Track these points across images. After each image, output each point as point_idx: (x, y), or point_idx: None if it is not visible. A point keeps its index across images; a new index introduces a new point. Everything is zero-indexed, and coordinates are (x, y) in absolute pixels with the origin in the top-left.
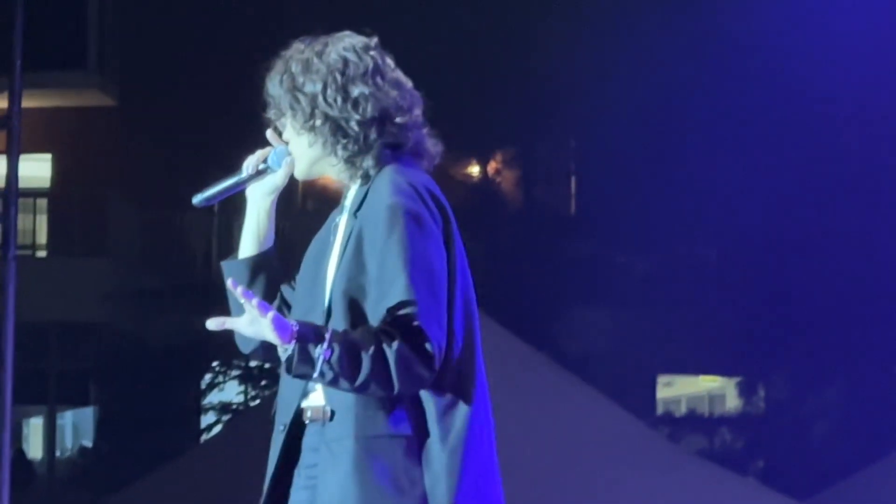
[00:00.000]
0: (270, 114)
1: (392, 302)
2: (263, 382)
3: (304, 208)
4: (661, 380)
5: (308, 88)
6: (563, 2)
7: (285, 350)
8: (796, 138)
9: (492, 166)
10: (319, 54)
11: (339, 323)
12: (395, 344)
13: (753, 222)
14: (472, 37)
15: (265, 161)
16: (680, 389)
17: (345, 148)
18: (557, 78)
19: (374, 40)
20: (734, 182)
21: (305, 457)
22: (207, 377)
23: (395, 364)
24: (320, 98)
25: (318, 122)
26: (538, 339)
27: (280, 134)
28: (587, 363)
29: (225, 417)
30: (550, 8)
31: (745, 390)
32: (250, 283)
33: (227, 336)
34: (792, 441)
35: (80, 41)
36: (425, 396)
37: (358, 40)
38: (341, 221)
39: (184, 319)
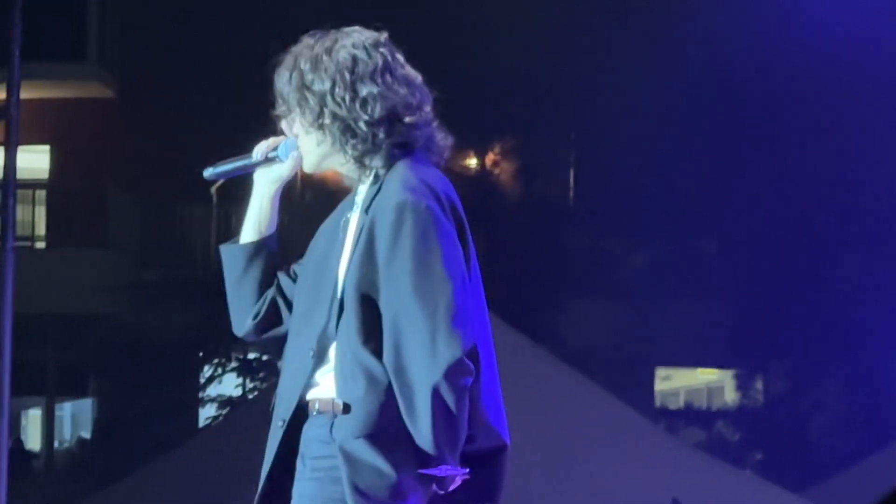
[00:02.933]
0: (279, 110)
1: (398, 313)
2: (262, 375)
3: (303, 200)
4: (660, 373)
5: (317, 87)
6: None
7: None
8: (799, 130)
9: (490, 157)
10: (329, 51)
11: (351, 317)
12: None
13: (754, 214)
14: (470, 25)
15: (275, 149)
16: (678, 382)
17: (353, 147)
18: (556, 67)
19: (384, 36)
20: (735, 173)
21: (312, 448)
22: (206, 370)
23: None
24: (329, 97)
25: (327, 121)
26: (536, 331)
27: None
28: (586, 356)
29: (224, 410)
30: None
31: (743, 383)
32: (247, 269)
33: (227, 329)
34: (790, 434)
35: (80, 32)
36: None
37: (367, 36)
38: (352, 218)
39: (183, 312)
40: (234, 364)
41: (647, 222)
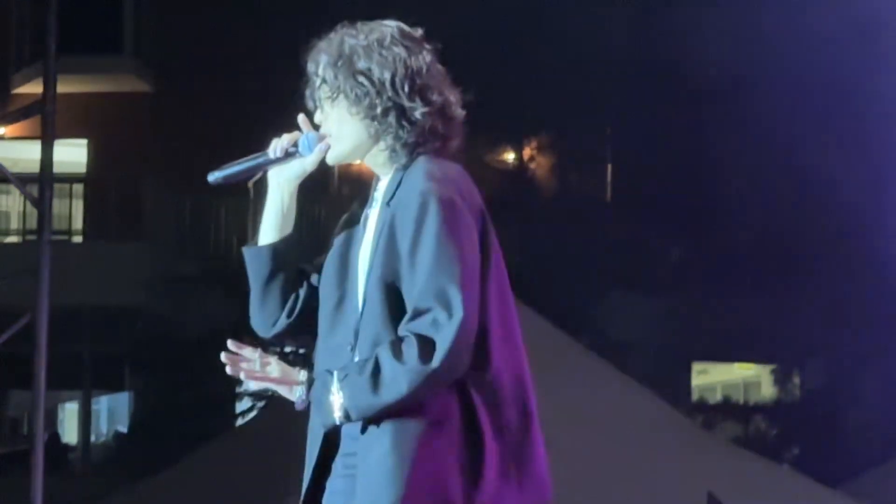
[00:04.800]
0: (318, 95)
1: (417, 297)
2: (298, 368)
3: (340, 193)
4: (697, 367)
5: (375, 74)
6: None
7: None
8: (842, 123)
9: (526, 152)
10: (381, 42)
11: (375, 310)
12: (390, 352)
13: (793, 207)
14: (506, 20)
15: (295, 145)
16: (715, 377)
17: (409, 135)
18: (593, 62)
19: (420, 31)
20: (774, 165)
21: (345, 445)
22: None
23: (409, 373)
24: (388, 85)
25: (382, 109)
26: (573, 326)
27: (311, 119)
28: (622, 350)
29: (259, 404)
30: None
31: (781, 378)
32: (274, 269)
33: None
34: (827, 428)
35: (116, 25)
36: (465, 388)
37: (410, 30)
38: (372, 213)
39: (219, 305)
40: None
41: (684, 215)
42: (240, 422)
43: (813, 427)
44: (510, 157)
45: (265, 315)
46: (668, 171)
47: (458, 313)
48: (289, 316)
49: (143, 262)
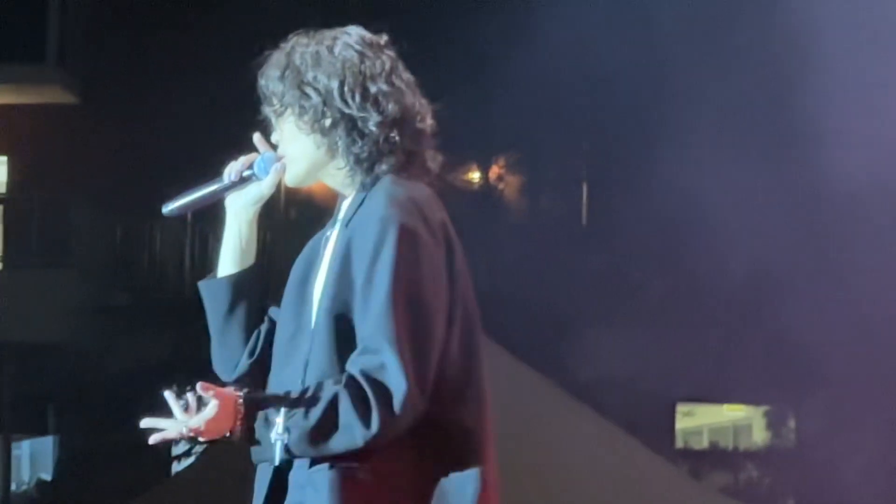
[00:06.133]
0: (268, 111)
1: (367, 335)
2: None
3: (288, 218)
4: (681, 409)
5: (321, 83)
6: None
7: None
8: (834, 153)
9: (493, 171)
10: (330, 48)
11: (324, 344)
12: (349, 397)
13: (785, 236)
14: (475, 31)
15: (250, 167)
16: (701, 419)
17: (361, 150)
18: (568, 75)
19: (385, 38)
20: (765, 193)
21: (292, 494)
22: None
23: (353, 419)
24: (336, 94)
25: (329, 122)
26: (545, 363)
27: (268, 137)
28: (599, 390)
29: (198, 448)
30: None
31: (774, 421)
32: (233, 304)
33: (201, 357)
34: (824, 477)
35: (39, 32)
36: (422, 429)
37: (370, 36)
38: (332, 235)
39: (153, 338)
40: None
41: (668, 244)
42: (176, 467)
43: (810, 475)
44: (475, 176)
45: (226, 356)
46: (650, 192)
47: (409, 360)
48: (250, 356)
49: (69, 292)
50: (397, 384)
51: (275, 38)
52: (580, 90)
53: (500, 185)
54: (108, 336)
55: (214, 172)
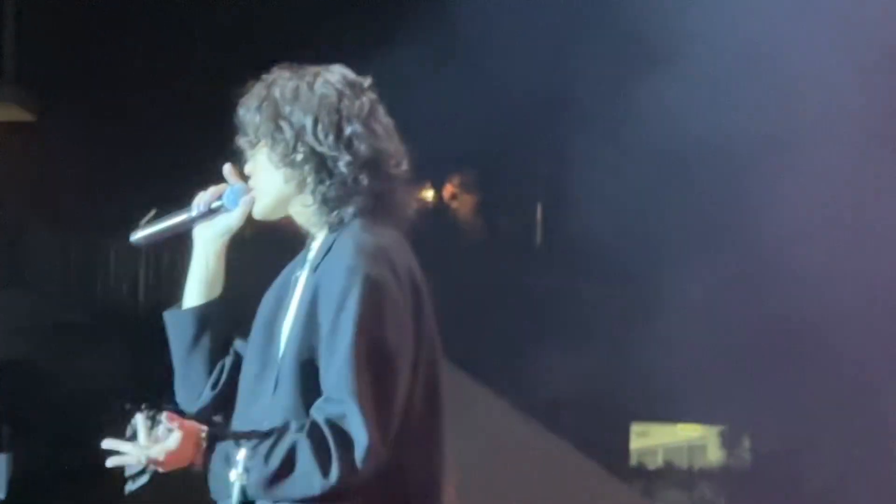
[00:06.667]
0: (241, 142)
1: (331, 386)
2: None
3: (256, 250)
4: (636, 428)
5: (295, 118)
6: (535, 13)
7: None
8: (796, 165)
9: (447, 190)
10: (310, 85)
11: (289, 390)
12: (310, 445)
13: (743, 253)
14: (426, 46)
15: (219, 199)
16: (656, 439)
17: (328, 189)
18: (522, 92)
19: (369, 81)
20: (723, 211)
21: None
22: (134, 424)
23: (313, 467)
24: (308, 131)
25: (301, 157)
26: (499, 382)
27: (241, 169)
28: (553, 409)
29: (152, 466)
30: (520, 18)
31: (730, 441)
32: (197, 336)
33: (158, 377)
34: (779, 497)
35: None
36: (380, 475)
37: (353, 77)
38: (301, 277)
39: (108, 358)
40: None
41: (624, 262)
42: (130, 486)
43: (764, 496)
44: (428, 195)
45: (188, 387)
46: (605, 212)
47: (371, 411)
48: (213, 388)
49: (23, 311)
50: (359, 435)
51: (233, 59)
52: (535, 108)
53: (454, 204)
54: (60, 354)
55: (172, 191)
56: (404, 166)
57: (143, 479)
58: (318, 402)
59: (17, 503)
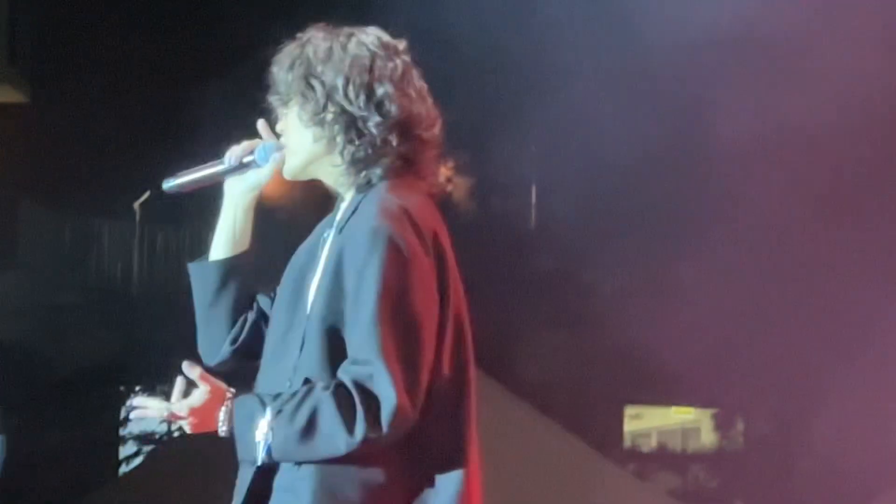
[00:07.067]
0: (274, 99)
1: (357, 347)
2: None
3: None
4: (629, 411)
5: (327, 78)
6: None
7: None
8: (789, 150)
9: (442, 173)
10: (344, 46)
11: (314, 350)
12: (335, 404)
13: (736, 238)
14: (417, 26)
15: (251, 153)
16: (650, 422)
17: (357, 149)
18: (516, 73)
19: (404, 43)
20: (716, 195)
21: (277, 496)
22: (128, 403)
23: (338, 425)
24: (340, 90)
25: (331, 116)
26: (492, 364)
27: (273, 126)
28: (548, 392)
29: (146, 448)
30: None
31: (722, 423)
32: (221, 289)
33: (150, 357)
34: (774, 480)
35: None
36: (408, 442)
37: (388, 39)
38: (329, 237)
39: (101, 338)
40: (159, 397)
41: (618, 245)
42: (124, 469)
43: (757, 478)
44: None
45: (209, 340)
46: (600, 195)
47: (399, 372)
48: (233, 343)
49: (17, 291)
50: (386, 395)
51: (224, 40)
52: (530, 91)
53: (448, 187)
54: (54, 334)
55: (166, 172)
56: (436, 130)
57: (137, 461)
58: (345, 364)
59: (7, 486)
